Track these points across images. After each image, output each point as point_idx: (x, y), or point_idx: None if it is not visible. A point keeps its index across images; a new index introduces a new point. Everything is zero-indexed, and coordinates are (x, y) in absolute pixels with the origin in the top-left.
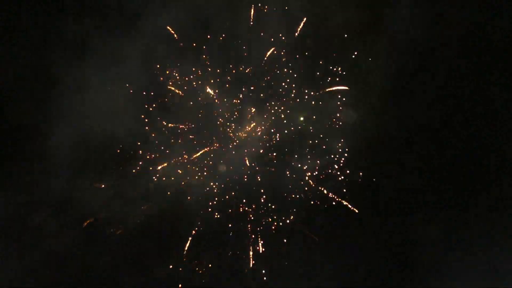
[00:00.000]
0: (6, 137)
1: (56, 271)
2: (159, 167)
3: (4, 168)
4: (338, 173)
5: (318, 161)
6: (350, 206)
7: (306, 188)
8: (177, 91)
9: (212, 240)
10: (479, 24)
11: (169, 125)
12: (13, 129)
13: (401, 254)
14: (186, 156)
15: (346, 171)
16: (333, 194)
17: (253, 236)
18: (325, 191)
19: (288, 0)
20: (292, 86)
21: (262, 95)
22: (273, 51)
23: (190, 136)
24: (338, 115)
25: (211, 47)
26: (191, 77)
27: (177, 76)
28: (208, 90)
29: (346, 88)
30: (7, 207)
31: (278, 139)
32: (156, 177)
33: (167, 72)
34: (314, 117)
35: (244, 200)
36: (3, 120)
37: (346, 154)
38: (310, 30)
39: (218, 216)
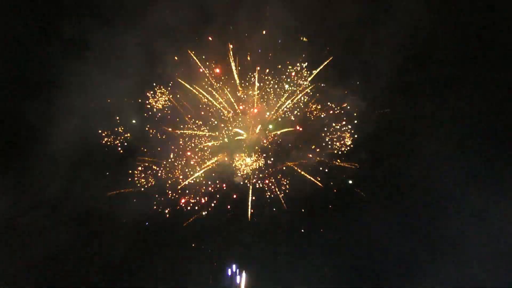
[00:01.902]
0: (6, 137)
1: (54, 269)
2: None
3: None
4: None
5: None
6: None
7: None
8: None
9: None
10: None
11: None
12: (12, 129)
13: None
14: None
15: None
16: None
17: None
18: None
19: None
20: (296, 75)
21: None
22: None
23: (192, 132)
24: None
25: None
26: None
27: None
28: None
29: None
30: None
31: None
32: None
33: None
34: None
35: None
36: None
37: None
38: (317, 20)
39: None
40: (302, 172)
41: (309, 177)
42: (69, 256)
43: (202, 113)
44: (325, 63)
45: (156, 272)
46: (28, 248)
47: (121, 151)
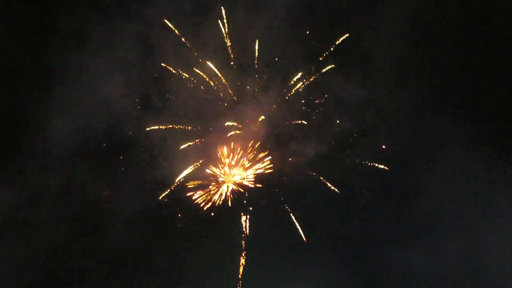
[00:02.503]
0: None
1: (52, 266)
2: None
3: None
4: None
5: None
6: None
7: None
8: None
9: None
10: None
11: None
12: (11, 125)
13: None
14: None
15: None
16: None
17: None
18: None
19: None
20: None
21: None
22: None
23: (189, 127)
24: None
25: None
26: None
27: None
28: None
29: None
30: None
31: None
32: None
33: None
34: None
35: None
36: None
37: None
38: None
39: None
40: (302, 167)
41: (312, 174)
42: (68, 253)
43: (200, 106)
44: (340, 39)
45: (155, 271)
46: (26, 245)
47: (119, 148)
